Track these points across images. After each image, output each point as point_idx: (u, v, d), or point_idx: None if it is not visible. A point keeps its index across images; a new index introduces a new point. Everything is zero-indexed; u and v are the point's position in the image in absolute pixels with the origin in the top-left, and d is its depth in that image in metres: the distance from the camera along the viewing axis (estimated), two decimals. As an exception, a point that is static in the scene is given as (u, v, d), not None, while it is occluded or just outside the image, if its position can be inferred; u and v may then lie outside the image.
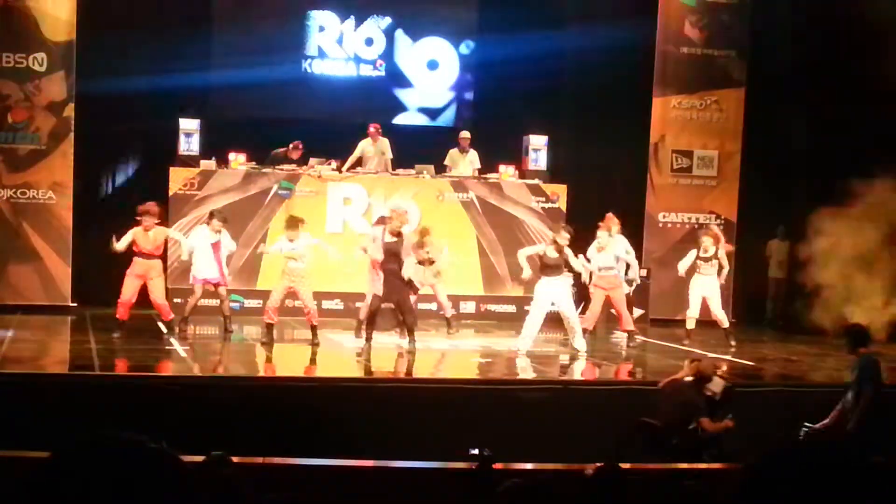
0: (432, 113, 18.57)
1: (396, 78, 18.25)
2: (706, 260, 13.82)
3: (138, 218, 12.73)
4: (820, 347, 14.30)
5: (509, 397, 10.36)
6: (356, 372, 11.59)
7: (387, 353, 12.31)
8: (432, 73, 18.40)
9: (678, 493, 5.76)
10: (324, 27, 17.90)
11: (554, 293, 12.46)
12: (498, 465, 6.68)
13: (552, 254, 12.46)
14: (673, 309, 15.56)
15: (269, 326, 12.55)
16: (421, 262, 13.64)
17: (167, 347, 12.39)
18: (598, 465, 5.70)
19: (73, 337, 13.36)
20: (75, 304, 15.14)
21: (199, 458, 6.07)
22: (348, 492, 7.49)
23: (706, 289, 13.83)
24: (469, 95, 18.63)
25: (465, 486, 6.86)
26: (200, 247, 13.08)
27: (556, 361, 12.58)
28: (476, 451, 6.62)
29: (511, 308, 15.82)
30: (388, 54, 18.10)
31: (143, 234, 12.70)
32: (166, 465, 1.87)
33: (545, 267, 12.53)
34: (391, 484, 7.85)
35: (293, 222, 12.74)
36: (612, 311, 13.79)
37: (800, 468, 1.95)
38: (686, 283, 14.10)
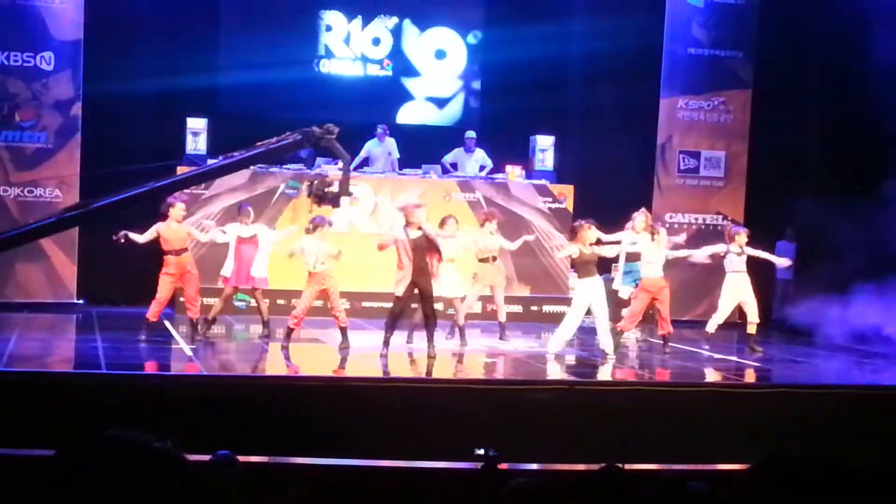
0: (440, 102, 18.63)
1: (404, 67, 18.32)
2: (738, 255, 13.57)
3: (168, 210, 12.45)
4: (826, 349, 14.29)
5: (515, 397, 10.34)
6: (362, 372, 11.58)
7: (394, 354, 12.26)
8: (440, 62, 18.48)
9: (683, 494, 5.75)
10: (331, 27, 17.93)
11: (592, 296, 12.24)
12: (503, 466, 6.67)
13: (586, 251, 12.25)
14: (681, 309, 15.54)
15: (291, 332, 12.31)
16: (483, 261, 13.56)
17: (174, 346, 12.39)
18: (601, 465, 5.69)
19: (79, 335, 13.37)
20: (81, 302, 15.16)
21: (206, 458, 6.07)
22: (354, 492, 7.49)
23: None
24: (477, 86, 18.70)
25: (471, 487, 6.85)
26: (231, 245, 13.07)
27: (562, 361, 12.56)
28: (482, 451, 6.61)
29: (517, 308, 15.81)
30: (395, 53, 18.16)
31: (170, 228, 12.43)
32: (171, 464, 1.87)
33: (581, 266, 12.33)
34: (397, 484, 7.84)
35: (321, 224, 12.37)
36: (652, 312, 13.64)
37: (803, 471, 1.95)
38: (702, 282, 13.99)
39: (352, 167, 15.82)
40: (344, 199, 9.74)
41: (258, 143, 8.96)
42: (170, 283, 12.48)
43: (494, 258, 13.63)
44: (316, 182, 9.53)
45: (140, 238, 12.33)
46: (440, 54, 18.51)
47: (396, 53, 18.21)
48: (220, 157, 9.25)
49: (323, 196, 9.48)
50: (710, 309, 14.04)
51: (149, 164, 16.08)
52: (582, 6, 17.67)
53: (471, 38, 18.53)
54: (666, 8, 16.79)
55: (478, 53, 18.53)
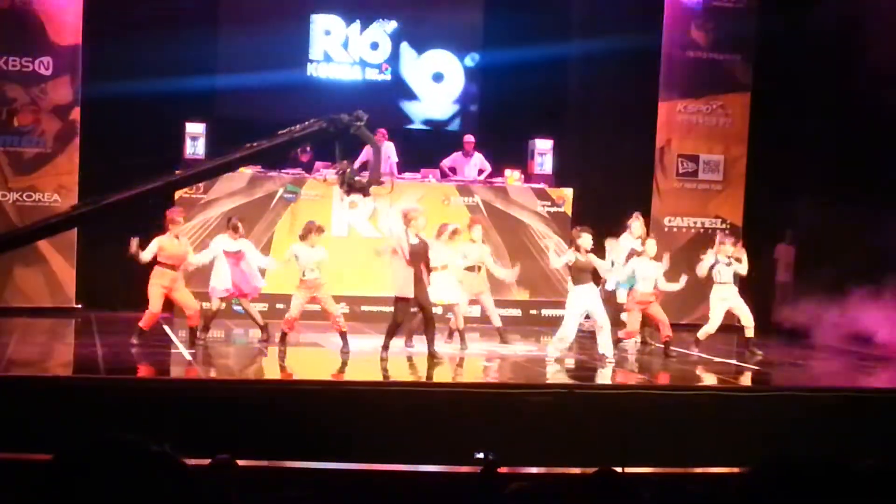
0: (437, 125, 18.63)
1: (402, 89, 18.29)
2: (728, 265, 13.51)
3: (168, 222, 12.27)
4: (826, 351, 14.29)
5: (515, 401, 10.34)
6: (362, 376, 11.57)
7: (393, 357, 12.24)
8: (437, 85, 18.45)
9: (682, 497, 5.75)
10: (329, 31, 17.92)
11: (587, 302, 12.26)
12: (503, 469, 6.67)
13: (581, 257, 12.27)
14: (678, 313, 15.53)
15: (285, 335, 12.35)
16: (469, 269, 13.57)
17: (173, 351, 12.38)
18: (595, 469, 5.69)
19: (78, 339, 13.35)
20: (80, 307, 15.15)
21: (205, 462, 6.07)
22: (354, 495, 7.49)
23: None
24: (474, 108, 18.67)
25: (471, 490, 6.85)
26: (219, 257, 12.91)
27: (561, 365, 12.56)
28: (481, 455, 6.62)
29: (516, 312, 15.80)
30: (393, 59, 18.15)
31: (173, 243, 12.26)
32: (170, 468, 1.87)
33: (575, 272, 12.31)
34: (397, 487, 7.85)
35: (313, 230, 12.40)
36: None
37: (802, 472, 1.95)
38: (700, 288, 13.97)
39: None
40: (375, 188, 9.74)
41: (280, 133, 8.90)
42: (161, 294, 12.18)
43: (479, 268, 13.67)
44: (348, 171, 9.50)
45: (145, 256, 11.97)
46: (438, 77, 18.48)
47: (395, 58, 18.19)
48: (242, 148, 9.14)
49: (353, 185, 9.47)
50: (708, 312, 14.05)
51: (147, 167, 16.15)
52: (581, 10, 17.66)
53: (468, 61, 18.49)
54: (664, 11, 16.79)
55: (475, 74, 18.51)
